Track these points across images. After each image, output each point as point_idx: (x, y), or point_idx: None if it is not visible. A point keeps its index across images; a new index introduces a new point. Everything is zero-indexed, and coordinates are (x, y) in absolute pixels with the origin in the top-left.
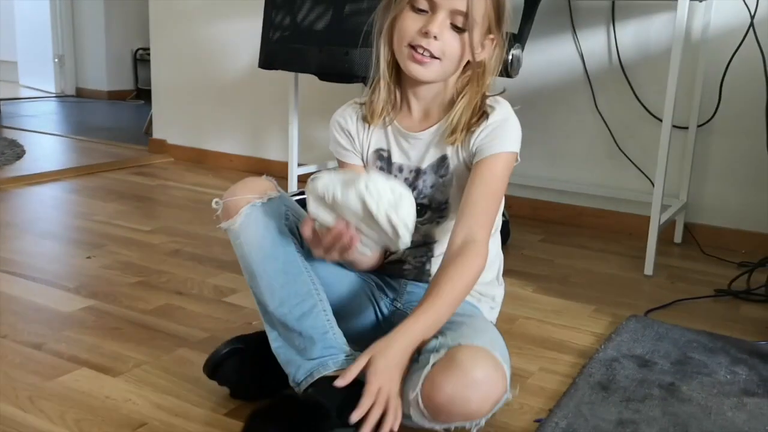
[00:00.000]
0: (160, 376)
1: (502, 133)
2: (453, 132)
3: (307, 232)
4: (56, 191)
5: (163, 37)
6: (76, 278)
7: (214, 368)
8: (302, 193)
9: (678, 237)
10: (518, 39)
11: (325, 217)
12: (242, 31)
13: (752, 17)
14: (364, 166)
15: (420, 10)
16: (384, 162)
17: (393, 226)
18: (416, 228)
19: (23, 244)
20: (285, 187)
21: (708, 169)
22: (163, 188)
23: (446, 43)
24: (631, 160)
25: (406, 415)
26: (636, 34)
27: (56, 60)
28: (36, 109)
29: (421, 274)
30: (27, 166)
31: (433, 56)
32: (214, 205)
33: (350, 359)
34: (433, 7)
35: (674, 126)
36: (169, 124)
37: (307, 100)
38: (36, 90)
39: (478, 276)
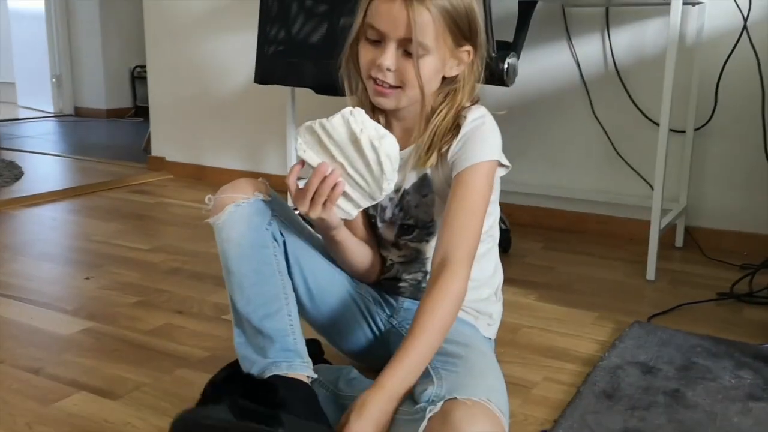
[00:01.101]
0: (160, 397)
1: (475, 142)
2: (428, 151)
3: (291, 179)
4: (55, 212)
5: (160, 55)
6: (74, 300)
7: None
8: None
9: (679, 241)
10: (513, 48)
11: (312, 157)
12: (238, 46)
13: (745, 20)
14: None
15: (373, 41)
16: None
17: (376, 153)
18: (406, 244)
19: (21, 267)
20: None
21: (707, 172)
22: (162, 206)
23: (402, 71)
24: (629, 165)
25: None
26: (631, 39)
27: (54, 80)
28: (34, 130)
29: (417, 292)
30: (25, 187)
31: (392, 86)
32: (206, 201)
33: (305, 365)
34: (383, 38)
35: (671, 130)
36: (167, 141)
37: (304, 113)
38: (34, 110)
39: (459, 301)
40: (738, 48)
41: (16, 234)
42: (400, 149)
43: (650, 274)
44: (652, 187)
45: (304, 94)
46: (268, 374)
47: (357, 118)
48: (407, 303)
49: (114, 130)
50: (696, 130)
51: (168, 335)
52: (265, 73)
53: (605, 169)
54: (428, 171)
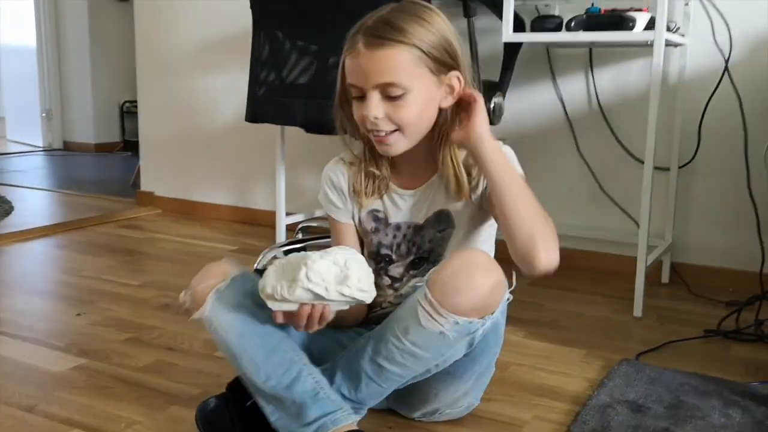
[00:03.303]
0: None
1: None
2: (459, 189)
3: (279, 319)
4: (45, 247)
5: (150, 90)
6: (66, 336)
7: (206, 424)
8: (291, 243)
9: (665, 277)
10: (499, 87)
11: (288, 307)
12: (228, 82)
13: (726, 61)
14: (356, 225)
15: (358, 97)
16: (380, 223)
17: (350, 296)
18: (409, 279)
19: (12, 302)
20: (273, 238)
21: (691, 209)
22: (152, 241)
23: (391, 115)
24: (614, 202)
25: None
26: (614, 78)
27: (44, 114)
28: (24, 164)
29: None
30: (16, 222)
31: (390, 132)
32: (182, 297)
33: (345, 413)
34: (362, 91)
35: (656, 167)
36: (156, 176)
37: (293, 149)
38: (23, 144)
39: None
40: (720, 88)
41: (7, 269)
42: (412, 188)
43: (637, 311)
44: (637, 224)
45: (294, 130)
46: None
47: (315, 279)
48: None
49: (102, 164)
50: (680, 167)
51: (160, 372)
52: (255, 113)
53: (590, 205)
54: (450, 206)
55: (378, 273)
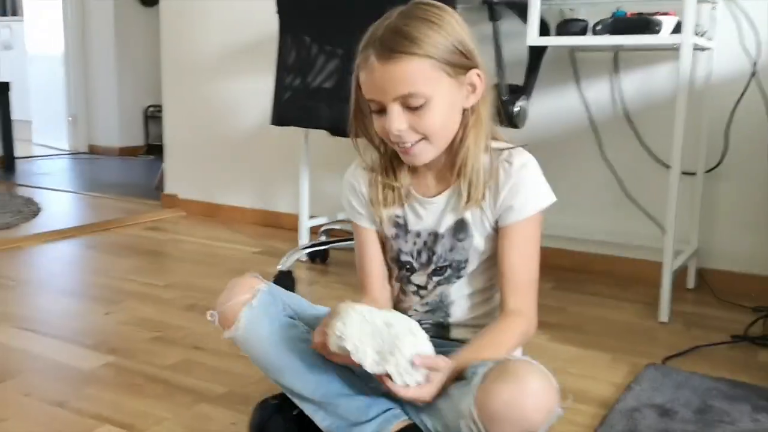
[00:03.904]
0: None
1: (529, 191)
2: (469, 198)
3: (317, 338)
4: (72, 248)
5: (176, 95)
6: (94, 335)
7: (260, 427)
8: (314, 245)
9: (691, 282)
10: (524, 91)
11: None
12: (252, 86)
13: (754, 65)
14: (378, 230)
15: (378, 111)
16: (400, 229)
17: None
18: (434, 286)
19: (43, 302)
20: (296, 240)
21: (718, 213)
22: (176, 243)
23: (415, 125)
24: (639, 206)
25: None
26: (639, 82)
27: (70, 119)
28: (50, 167)
29: (441, 331)
30: (43, 223)
31: (415, 142)
32: (209, 317)
33: (396, 412)
34: (381, 105)
35: (682, 172)
36: (180, 179)
37: (317, 152)
38: (49, 148)
39: (522, 338)
40: (747, 92)
41: (37, 269)
42: (435, 194)
43: (663, 316)
44: (661, 229)
45: (318, 133)
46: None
47: (405, 372)
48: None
49: (127, 167)
50: (706, 172)
51: (186, 370)
52: (281, 116)
53: (614, 210)
54: (467, 216)
55: (401, 280)
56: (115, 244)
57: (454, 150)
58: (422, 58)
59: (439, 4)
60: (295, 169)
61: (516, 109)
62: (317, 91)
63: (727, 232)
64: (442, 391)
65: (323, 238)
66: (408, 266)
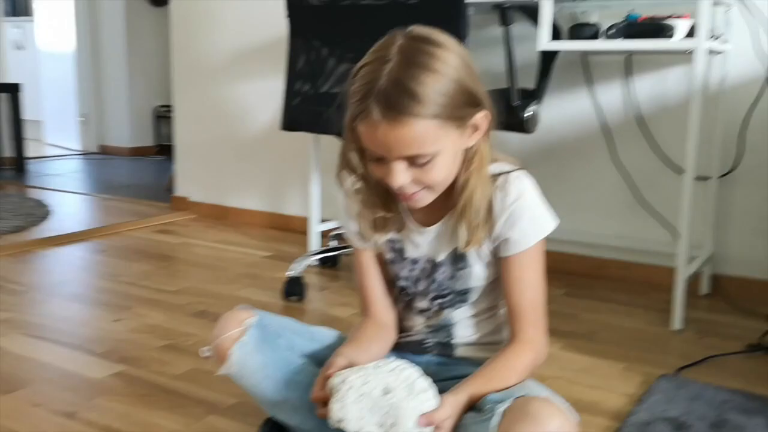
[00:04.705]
0: None
1: (527, 221)
2: (469, 242)
3: (318, 392)
4: (82, 252)
5: (186, 96)
6: (104, 343)
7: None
8: (324, 251)
9: (704, 289)
10: (535, 95)
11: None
12: (263, 89)
13: None
14: (377, 255)
15: (377, 158)
16: (396, 254)
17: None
18: (438, 310)
19: (52, 308)
20: (305, 245)
21: (732, 219)
22: (186, 246)
23: (419, 178)
24: (651, 211)
25: None
26: (652, 86)
27: (81, 119)
28: (61, 168)
29: (445, 349)
30: (53, 226)
31: (417, 191)
32: (204, 354)
33: None
34: (382, 158)
35: (696, 177)
36: (191, 181)
37: (327, 155)
38: (60, 148)
39: (533, 366)
40: (763, 95)
41: (47, 274)
42: (430, 224)
43: (676, 323)
44: (674, 234)
45: (328, 136)
46: None
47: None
48: (437, 359)
49: (137, 168)
50: (720, 177)
51: (197, 380)
52: (291, 121)
53: (626, 214)
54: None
55: (403, 302)
56: (125, 247)
57: (453, 185)
58: (429, 119)
59: (441, 38)
60: (306, 171)
61: (528, 114)
62: (327, 96)
63: (742, 237)
64: (457, 425)
65: (333, 243)
66: (406, 291)
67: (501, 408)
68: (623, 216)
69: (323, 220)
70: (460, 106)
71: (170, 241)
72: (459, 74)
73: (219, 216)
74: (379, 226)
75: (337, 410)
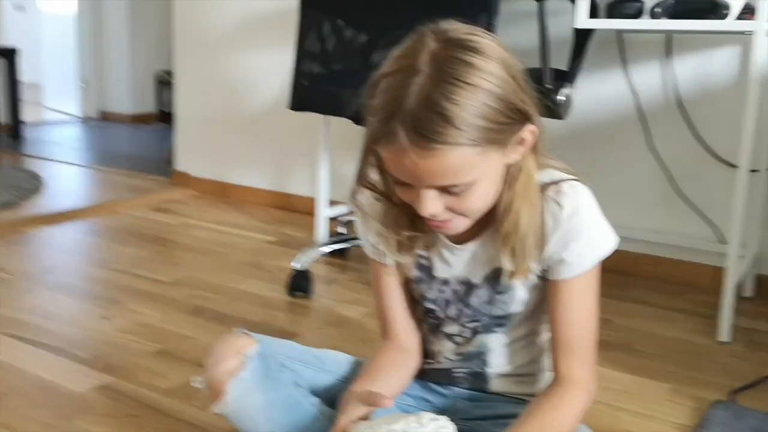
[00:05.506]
0: None
1: (580, 240)
2: (516, 271)
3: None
4: (74, 233)
5: (188, 66)
6: (90, 346)
7: None
8: (333, 242)
9: (748, 291)
10: (568, 77)
11: None
12: (270, 62)
13: None
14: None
15: (404, 183)
16: (424, 273)
17: None
18: (468, 339)
19: (37, 301)
20: (311, 228)
21: None
22: (185, 228)
23: (455, 207)
24: (690, 204)
25: None
26: (695, 67)
27: (82, 85)
28: (59, 135)
29: (478, 382)
30: (45, 202)
31: (449, 219)
32: (195, 385)
33: None
34: (411, 183)
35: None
36: (192, 156)
37: (337, 131)
38: (60, 112)
39: (579, 415)
40: None
41: (34, 259)
42: (465, 241)
43: (723, 334)
44: (714, 229)
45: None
46: None
47: None
48: (467, 393)
49: (137, 136)
50: None
51: (190, 396)
52: (300, 101)
53: (662, 207)
54: (504, 264)
55: (430, 326)
56: (121, 228)
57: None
58: (467, 147)
59: (481, 42)
60: (313, 149)
61: (561, 98)
62: (340, 76)
63: None
64: None
65: (342, 230)
66: (433, 315)
67: None
68: (659, 208)
69: (331, 203)
70: (504, 126)
71: (169, 222)
72: (503, 87)
73: (221, 193)
74: (404, 246)
75: None
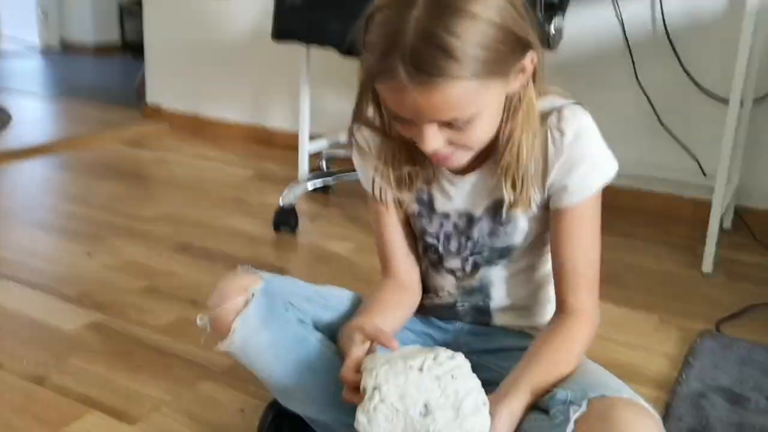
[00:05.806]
0: (183, 422)
1: (583, 165)
2: (514, 203)
3: (350, 376)
4: (47, 169)
5: None
6: (76, 283)
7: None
8: (317, 176)
9: (727, 223)
10: (560, 6)
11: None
12: None
13: None
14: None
15: (404, 120)
16: (424, 207)
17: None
18: (470, 273)
19: (16, 238)
20: (293, 162)
21: (763, 147)
22: (161, 163)
23: (457, 140)
24: (674, 137)
25: None
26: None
27: (41, 15)
28: (20, 67)
29: (480, 316)
30: (14, 136)
31: (451, 152)
32: (199, 322)
33: None
34: (412, 120)
35: (722, 99)
36: (164, 88)
37: (317, 64)
38: (19, 40)
39: (586, 345)
40: None
41: (7, 196)
42: (466, 173)
43: (707, 266)
44: (697, 161)
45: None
46: None
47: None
48: (469, 327)
49: (103, 68)
50: (755, 101)
51: (184, 334)
52: (284, 30)
53: (647, 140)
54: (507, 196)
55: (430, 260)
56: (95, 163)
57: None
58: (468, 80)
59: None
60: (292, 80)
61: (552, 29)
62: (326, 3)
63: None
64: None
65: (324, 165)
66: (434, 250)
67: (575, 414)
68: (643, 141)
69: (312, 137)
70: (505, 56)
71: (143, 157)
72: (503, 16)
73: (195, 128)
74: (403, 181)
75: (363, 424)
